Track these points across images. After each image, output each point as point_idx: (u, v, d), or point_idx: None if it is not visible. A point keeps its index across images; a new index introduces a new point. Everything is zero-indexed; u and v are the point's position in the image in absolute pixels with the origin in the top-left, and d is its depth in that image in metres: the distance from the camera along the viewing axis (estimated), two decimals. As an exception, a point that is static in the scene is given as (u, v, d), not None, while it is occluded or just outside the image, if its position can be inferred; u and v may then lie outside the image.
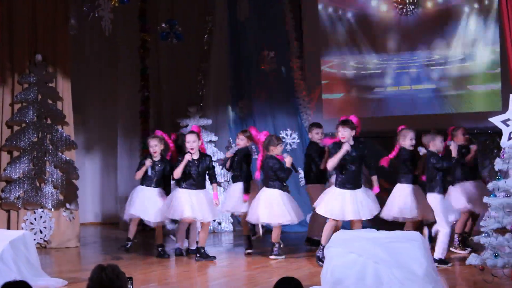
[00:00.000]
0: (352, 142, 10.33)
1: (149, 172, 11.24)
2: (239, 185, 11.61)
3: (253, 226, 11.97)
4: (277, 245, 11.00)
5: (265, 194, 11.06)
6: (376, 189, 10.45)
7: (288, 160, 10.95)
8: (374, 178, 10.49)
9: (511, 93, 8.47)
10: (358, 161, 10.32)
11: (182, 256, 11.29)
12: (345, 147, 10.19)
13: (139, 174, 11.30)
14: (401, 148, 10.59)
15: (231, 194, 11.70)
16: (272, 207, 10.95)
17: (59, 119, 12.84)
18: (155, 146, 11.23)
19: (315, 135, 11.98)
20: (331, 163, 10.29)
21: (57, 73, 12.91)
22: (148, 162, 11.23)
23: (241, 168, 11.59)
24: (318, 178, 11.85)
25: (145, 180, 11.31)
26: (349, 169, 10.30)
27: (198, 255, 10.90)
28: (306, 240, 12.03)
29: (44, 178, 12.60)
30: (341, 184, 10.36)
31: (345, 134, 10.26)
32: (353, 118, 10.75)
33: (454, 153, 9.93)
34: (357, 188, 10.32)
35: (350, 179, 10.32)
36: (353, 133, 10.38)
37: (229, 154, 11.76)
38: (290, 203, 10.98)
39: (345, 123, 10.34)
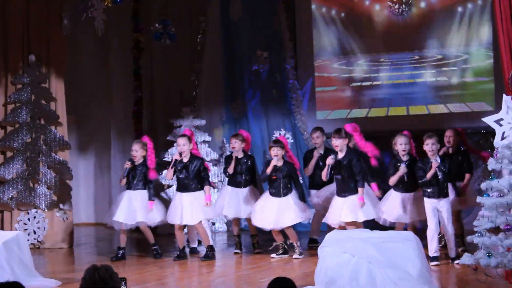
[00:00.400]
0: (344, 151, 10.53)
1: (125, 173, 11.26)
2: (248, 190, 11.69)
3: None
4: (294, 245, 11.08)
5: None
6: (361, 199, 10.42)
7: (271, 163, 11.02)
8: (360, 190, 10.46)
9: (504, 92, 8.47)
10: (345, 171, 10.43)
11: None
12: (328, 162, 10.55)
13: (122, 178, 11.36)
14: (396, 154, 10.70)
15: (247, 199, 11.68)
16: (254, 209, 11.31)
17: (52, 120, 12.82)
18: (135, 151, 11.26)
19: (316, 139, 12.04)
20: (323, 174, 10.68)
21: (50, 74, 12.90)
22: (126, 164, 11.26)
23: (252, 173, 11.67)
24: (317, 184, 12.00)
25: (130, 184, 11.31)
26: (337, 178, 10.55)
27: (204, 254, 11.07)
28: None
29: (37, 178, 12.59)
30: (337, 192, 10.62)
31: (337, 143, 10.49)
32: (347, 127, 10.80)
33: (429, 175, 9.96)
34: (350, 195, 10.42)
35: (338, 187, 10.58)
36: (346, 141, 10.55)
37: (236, 154, 11.77)
38: (272, 207, 11.01)
39: (337, 132, 10.59)
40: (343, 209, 10.38)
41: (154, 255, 11.21)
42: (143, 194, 11.23)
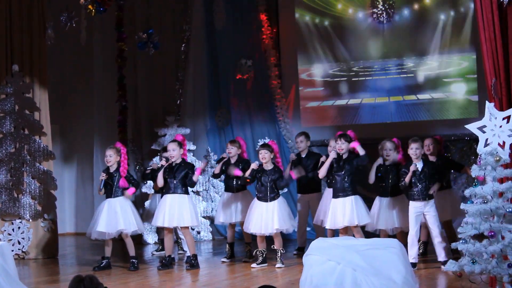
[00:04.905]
0: (346, 155, 10.68)
1: (101, 185, 11.21)
2: (242, 195, 11.78)
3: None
4: (278, 252, 11.09)
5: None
6: (355, 143, 10.59)
7: (251, 166, 11.12)
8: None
9: (488, 100, 8.51)
10: (347, 171, 10.53)
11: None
12: (332, 155, 10.72)
13: (100, 190, 11.30)
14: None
15: (239, 205, 11.74)
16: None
17: (36, 130, 12.79)
18: (109, 157, 11.23)
19: (300, 143, 12.11)
20: (321, 171, 10.84)
21: (34, 84, 12.87)
22: (102, 176, 11.22)
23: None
24: (303, 189, 12.08)
25: (109, 193, 11.26)
26: (337, 177, 10.62)
27: (188, 264, 11.08)
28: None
29: (22, 188, 12.55)
30: (333, 194, 10.71)
31: (343, 147, 10.64)
32: (350, 133, 10.95)
33: (407, 178, 10.17)
34: (347, 195, 10.53)
35: (337, 187, 10.66)
36: (349, 145, 10.63)
37: (225, 155, 11.85)
38: (258, 213, 11.04)
39: (345, 136, 10.77)
40: (346, 212, 10.45)
41: (129, 267, 11.15)
42: (122, 200, 11.20)
